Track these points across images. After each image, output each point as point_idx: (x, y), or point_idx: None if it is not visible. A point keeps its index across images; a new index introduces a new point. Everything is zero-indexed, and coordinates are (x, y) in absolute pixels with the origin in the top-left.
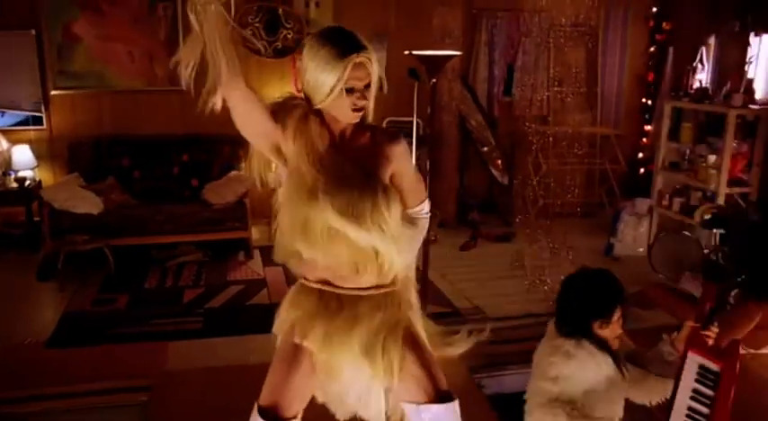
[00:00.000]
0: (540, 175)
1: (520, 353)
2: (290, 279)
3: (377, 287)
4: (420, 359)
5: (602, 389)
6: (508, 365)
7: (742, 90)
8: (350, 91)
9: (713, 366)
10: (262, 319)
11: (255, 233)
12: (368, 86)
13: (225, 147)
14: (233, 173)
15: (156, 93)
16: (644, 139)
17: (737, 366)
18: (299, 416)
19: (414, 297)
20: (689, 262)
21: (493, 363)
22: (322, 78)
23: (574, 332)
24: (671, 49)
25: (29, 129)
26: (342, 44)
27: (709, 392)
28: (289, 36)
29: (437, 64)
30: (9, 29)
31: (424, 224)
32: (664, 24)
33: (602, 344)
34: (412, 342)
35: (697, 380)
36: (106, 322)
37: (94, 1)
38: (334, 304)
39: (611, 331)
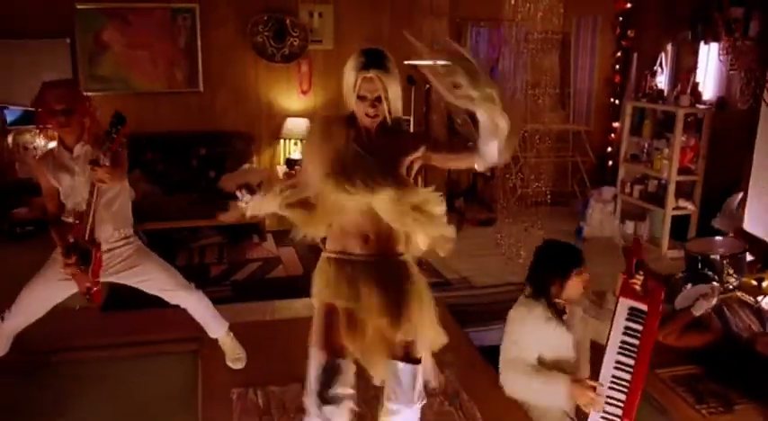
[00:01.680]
0: (518, 168)
1: (500, 312)
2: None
3: (384, 255)
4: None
5: (549, 349)
6: (490, 322)
7: (689, 92)
8: (362, 99)
9: (641, 306)
10: (281, 289)
11: (267, 218)
12: (379, 99)
13: (238, 142)
14: (246, 165)
15: (176, 94)
16: (612, 135)
17: (660, 305)
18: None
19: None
20: None
21: (478, 321)
22: (346, 86)
23: (535, 292)
24: (635, 55)
25: None
26: (360, 61)
27: (638, 327)
28: (295, 43)
29: None
30: (46, 37)
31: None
32: (629, 32)
33: (554, 308)
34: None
35: (628, 319)
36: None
37: (122, 12)
38: (350, 269)
39: (574, 289)
